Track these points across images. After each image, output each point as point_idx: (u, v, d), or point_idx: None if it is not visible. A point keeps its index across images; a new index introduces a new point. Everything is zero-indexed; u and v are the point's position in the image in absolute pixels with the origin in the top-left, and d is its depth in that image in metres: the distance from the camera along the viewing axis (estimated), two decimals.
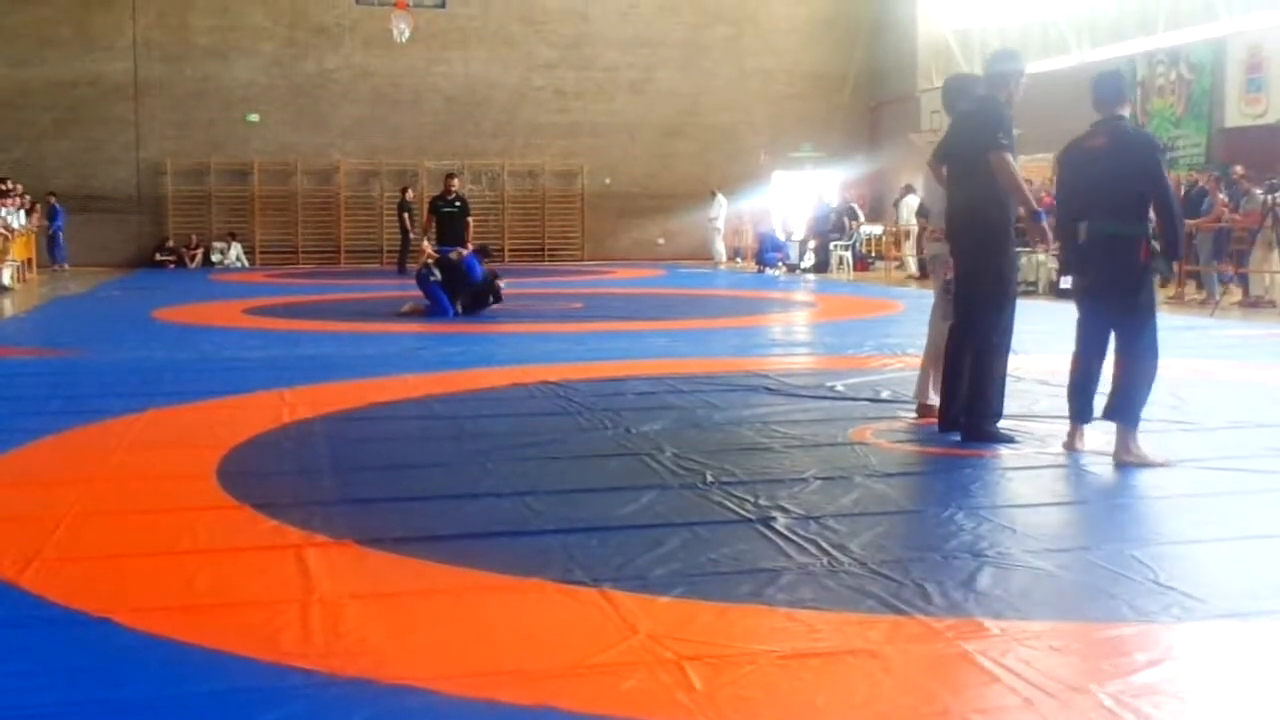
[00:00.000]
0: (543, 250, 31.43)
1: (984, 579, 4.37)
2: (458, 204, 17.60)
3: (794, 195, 31.03)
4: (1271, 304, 16.35)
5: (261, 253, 30.00)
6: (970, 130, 7.01)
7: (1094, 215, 6.48)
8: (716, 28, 32.30)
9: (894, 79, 31.29)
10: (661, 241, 32.01)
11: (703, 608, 4.09)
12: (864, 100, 32.90)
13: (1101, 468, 6.32)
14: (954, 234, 7.16)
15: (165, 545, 4.89)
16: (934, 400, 7.58)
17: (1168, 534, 5.11)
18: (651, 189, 32.02)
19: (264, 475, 6.22)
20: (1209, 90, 21.67)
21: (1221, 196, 17.90)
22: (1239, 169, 18.27)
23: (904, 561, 4.57)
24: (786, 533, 4.98)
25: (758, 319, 15.92)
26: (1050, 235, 7.17)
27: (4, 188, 22.92)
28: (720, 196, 29.44)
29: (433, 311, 15.34)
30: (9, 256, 21.26)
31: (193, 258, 29.19)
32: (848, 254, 26.12)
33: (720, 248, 29.65)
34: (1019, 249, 8.69)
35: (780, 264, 26.70)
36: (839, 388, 8.97)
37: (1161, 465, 6.27)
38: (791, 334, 14.62)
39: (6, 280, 20.67)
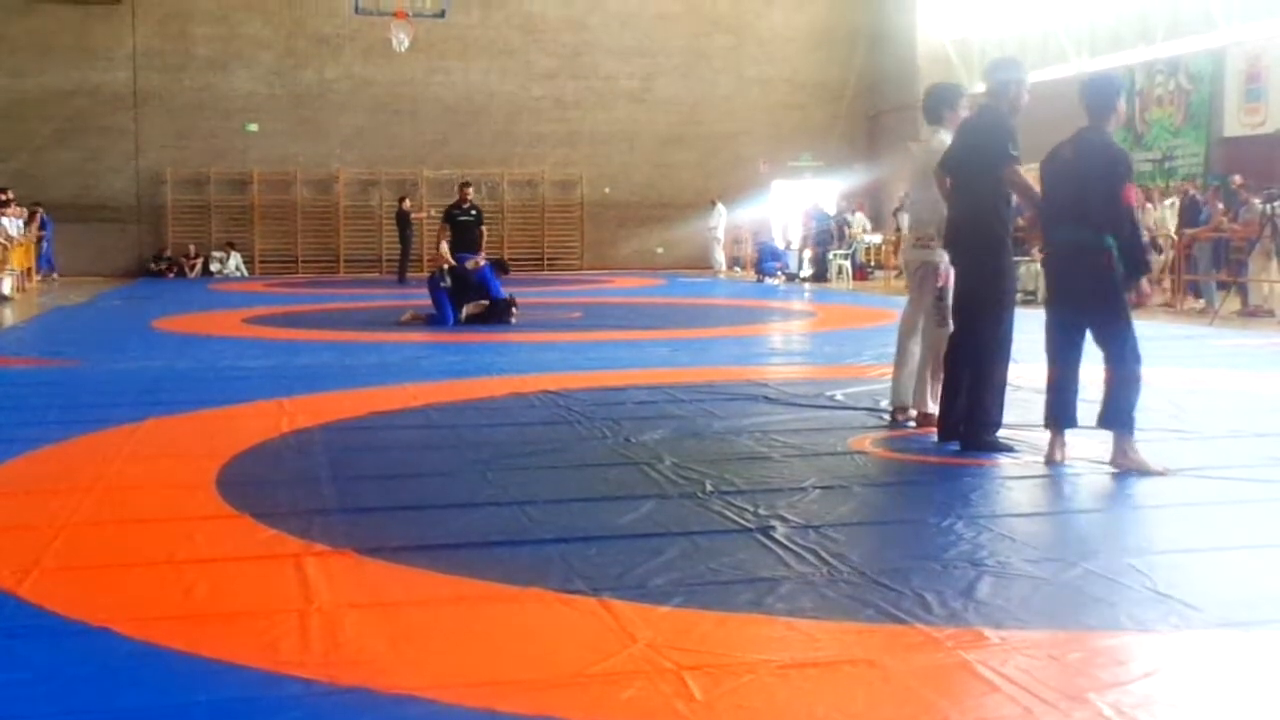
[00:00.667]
0: (542, 259, 31.44)
1: (983, 588, 4.37)
2: (473, 212, 17.63)
3: (792, 204, 31.06)
4: (1270, 313, 16.35)
5: (261, 262, 30.02)
6: (974, 141, 7.02)
7: (1063, 224, 6.50)
8: (716, 37, 32.35)
9: (893, 88, 31.32)
10: (661, 251, 32.03)
11: (702, 617, 4.09)
12: (863, 110, 32.93)
13: (1099, 477, 6.32)
14: (953, 243, 7.17)
15: (164, 554, 4.89)
16: (933, 409, 7.59)
17: (1166, 543, 5.11)
18: (651, 198, 32.06)
19: (263, 484, 6.21)
20: (1208, 100, 21.70)
21: (1220, 206, 17.92)
22: (1238, 178, 18.29)
23: (903, 571, 4.57)
24: (786, 542, 4.97)
25: (757, 328, 15.92)
26: None
27: (4, 197, 22.93)
28: (720, 206, 29.47)
29: (433, 320, 15.35)
30: (8, 266, 21.27)
31: (192, 267, 29.20)
32: (847, 263, 26.13)
33: (720, 257, 29.67)
34: (1017, 258, 8.72)
35: (779, 273, 26.70)
36: (838, 397, 8.98)
37: (1159, 473, 6.27)
38: (791, 343, 14.62)
39: (6, 290, 20.67)
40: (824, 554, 4.79)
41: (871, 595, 4.28)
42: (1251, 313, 16.56)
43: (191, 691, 3.50)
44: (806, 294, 22.81)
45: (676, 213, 31.70)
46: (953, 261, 7.22)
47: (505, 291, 15.76)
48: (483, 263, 15.81)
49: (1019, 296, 7.21)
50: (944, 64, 28.56)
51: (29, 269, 23.83)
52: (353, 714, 3.36)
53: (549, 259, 31.64)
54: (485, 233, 18.24)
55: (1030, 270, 18.80)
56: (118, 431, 7.67)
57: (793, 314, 18.69)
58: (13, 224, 22.32)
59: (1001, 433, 7.03)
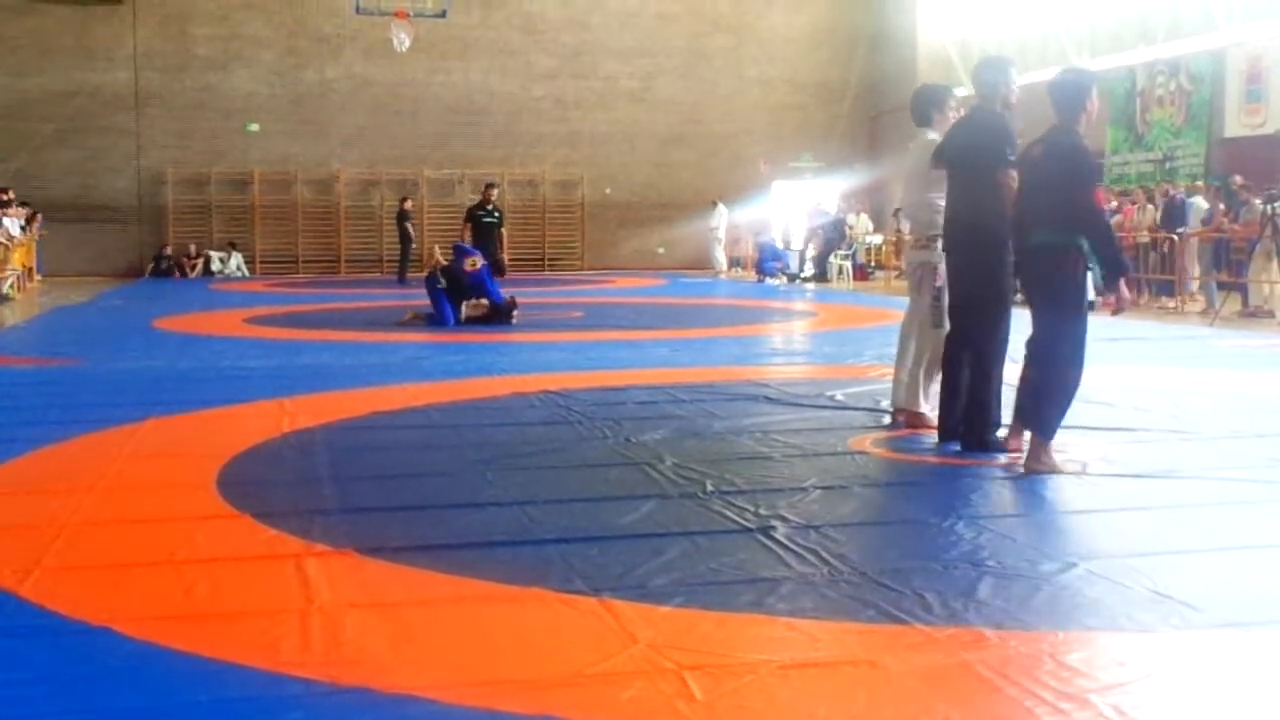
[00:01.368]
0: (543, 260, 31.44)
1: (984, 589, 4.37)
2: (495, 214, 17.62)
3: (793, 205, 31.06)
4: (1270, 314, 16.35)
5: (262, 262, 30.03)
6: (972, 141, 7.01)
7: (1031, 224, 6.46)
8: (716, 37, 32.36)
9: (894, 89, 31.29)
10: (662, 251, 32.04)
11: (703, 617, 4.09)
12: (864, 110, 32.94)
13: (1099, 478, 6.32)
14: (952, 244, 7.17)
15: (165, 554, 4.89)
16: (925, 409, 7.59)
17: (1167, 544, 5.11)
18: (651, 198, 32.07)
19: (264, 484, 6.22)
20: (1209, 100, 21.70)
21: (1221, 206, 17.93)
22: (1238, 179, 18.29)
23: (904, 571, 4.57)
24: (786, 542, 4.97)
25: (758, 328, 15.93)
26: None
27: (5, 198, 22.94)
28: (721, 206, 29.48)
29: (433, 320, 15.35)
30: (9, 266, 21.27)
31: (193, 267, 29.21)
32: (847, 263, 26.13)
33: (720, 257, 29.68)
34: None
35: (780, 274, 26.71)
36: (839, 397, 8.98)
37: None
38: (791, 343, 14.62)
39: (6, 289, 20.68)
40: (825, 554, 4.79)
41: (872, 595, 4.28)
42: (1252, 313, 16.56)
43: (192, 691, 3.50)
44: (807, 294, 22.80)
45: (677, 213, 31.71)
46: (950, 261, 7.22)
47: (505, 294, 15.75)
48: (480, 264, 15.80)
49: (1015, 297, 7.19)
50: (944, 65, 28.56)
51: (30, 269, 23.84)
52: (354, 714, 3.36)
53: (550, 259, 31.64)
54: (505, 234, 18.20)
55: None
56: (119, 431, 7.67)
57: (793, 314, 18.69)
58: (14, 224, 22.33)
59: (1001, 432, 7.03)
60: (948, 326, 7.45)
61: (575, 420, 8.05)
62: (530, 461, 6.75)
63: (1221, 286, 17.48)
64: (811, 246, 27.40)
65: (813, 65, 32.78)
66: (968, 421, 6.97)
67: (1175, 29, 22.59)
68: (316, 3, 30.07)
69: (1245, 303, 17.09)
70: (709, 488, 5.99)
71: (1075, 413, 6.67)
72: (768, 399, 8.95)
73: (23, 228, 23.11)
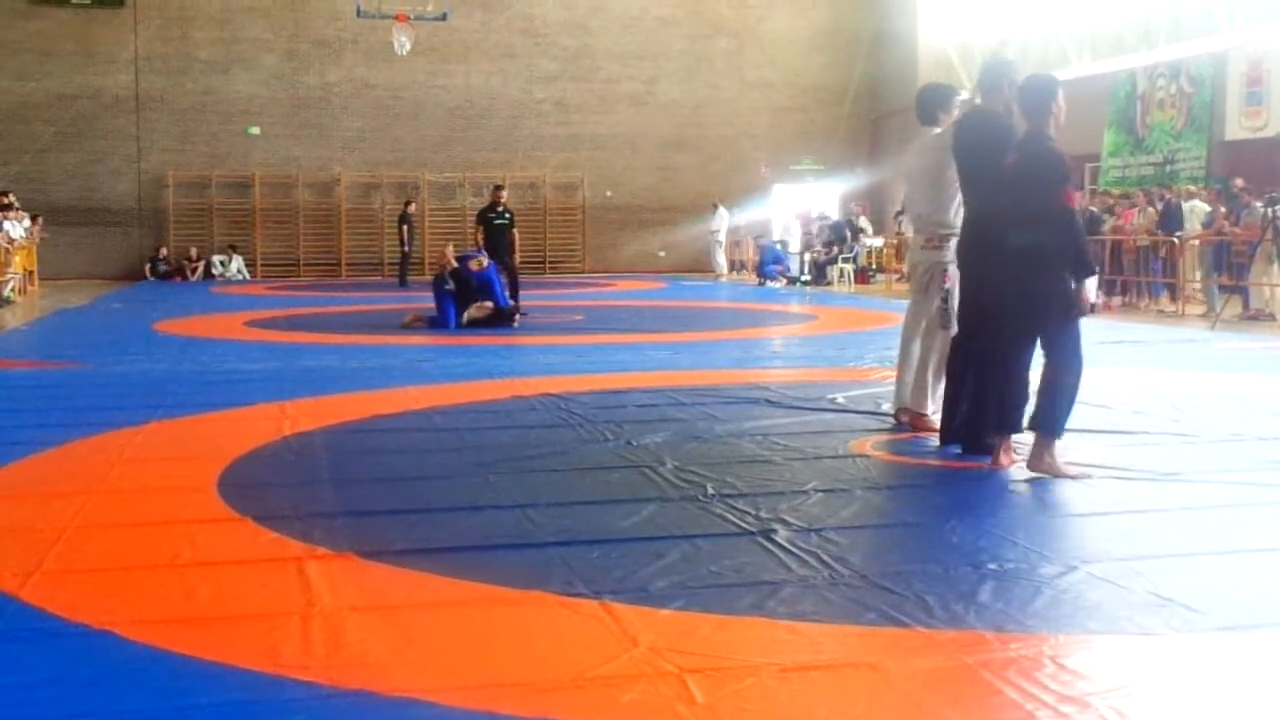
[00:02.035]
0: (544, 262, 31.45)
1: (985, 592, 4.37)
2: (507, 215, 17.56)
3: (794, 208, 31.06)
4: (1271, 317, 16.34)
5: (263, 265, 30.05)
6: (980, 146, 6.97)
7: (1010, 227, 6.45)
8: (717, 40, 32.37)
9: (895, 91, 31.32)
10: (663, 254, 32.05)
11: (704, 620, 4.09)
12: (865, 113, 32.95)
13: (1100, 481, 6.32)
14: (963, 248, 7.14)
15: (166, 558, 4.89)
16: (930, 411, 7.59)
17: (1168, 547, 5.10)
18: (652, 201, 32.08)
19: (265, 488, 6.22)
20: (1209, 103, 21.70)
21: (1222, 209, 17.93)
22: (1239, 182, 18.29)
23: (905, 574, 4.57)
24: (787, 545, 4.97)
25: (759, 331, 15.93)
26: None
27: (5, 201, 22.95)
28: (722, 209, 29.48)
29: (434, 323, 15.36)
30: (10, 269, 21.28)
31: (194, 270, 29.22)
32: (848, 266, 26.14)
33: (721, 260, 29.67)
34: None
35: (781, 276, 26.72)
36: (840, 400, 8.97)
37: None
38: (792, 346, 14.62)
39: (8, 293, 20.68)
40: (825, 557, 4.79)
41: (873, 598, 4.28)
42: (1253, 316, 16.56)
43: (193, 694, 3.50)
44: (808, 297, 22.80)
45: (678, 215, 31.73)
46: (960, 266, 7.21)
47: (505, 294, 15.76)
48: (486, 264, 15.82)
49: None
50: (945, 67, 28.58)
51: (31, 272, 23.84)
52: (354, 717, 3.36)
53: (551, 262, 31.64)
54: (517, 235, 18.16)
55: None
56: (120, 434, 7.67)
57: (794, 317, 18.69)
58: (15, 227, 22.34)
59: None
60: (955, 328, 7.45)
61: (576, 423, 8.05)
62: (531, 464, 6.75)
63: (1223, 289, 17.47)
64: (812, 249, 27.37)
65: (814, 68, 32.80)
66: (969, 424, 6.96)
67: (1176, 31, 22.59)
68: (317, 6, 30.09)
69: (1246, 306, 17.09)
70: (710, 490, 5.99)
71: (1076, 415, 6.67)
72: (769, 402, 8.95)
73: (25, 231, 23.11)
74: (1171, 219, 18.64)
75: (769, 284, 26.23)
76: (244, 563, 4.84)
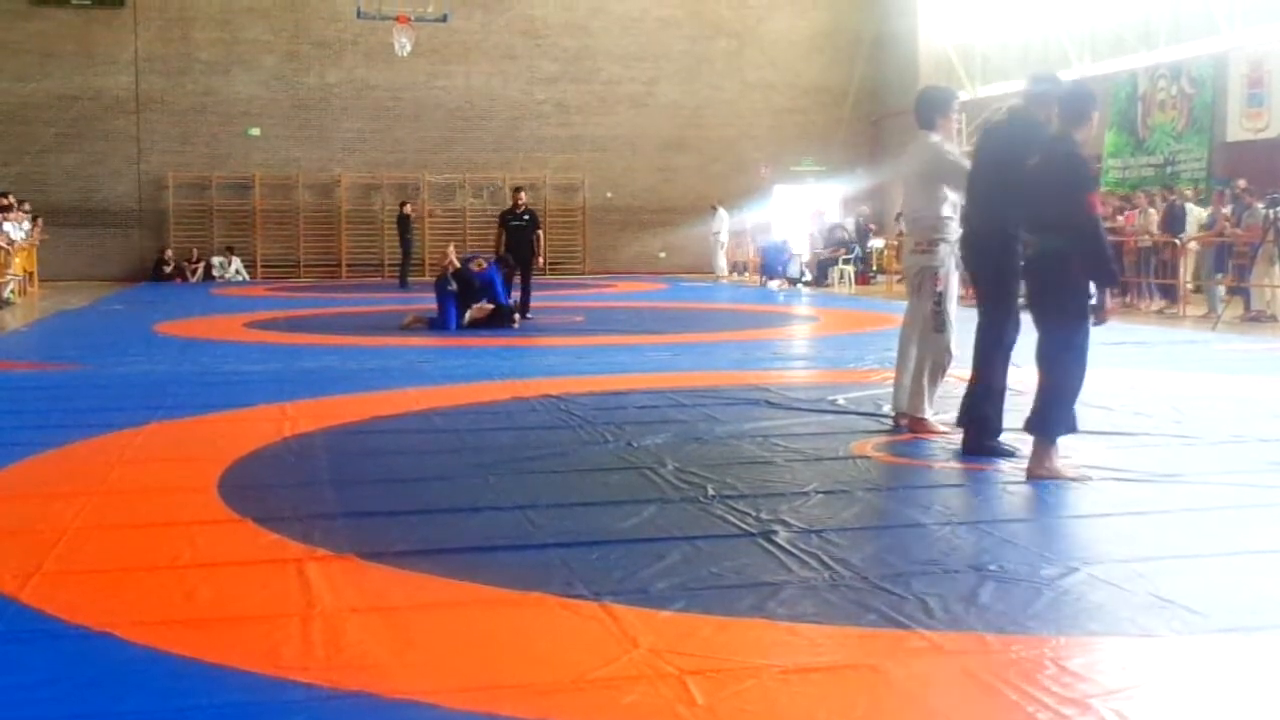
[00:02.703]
0: (544, 264, 31.36)
1: (986, 593, 4.37)
2: (526, 217, 17.51)
3: (798, 211, 31.05)
4: (1273, 318, 16.34)
5: (263, 266, 30.04)
6: (1008, 151, 6.91)
7: (1032, 231, 6.49)
8: (718, 41, 32.37)
9: (895, 93, 31.32)
10: (663, 255, 32.05)
11: (704, 621, 4.08)
12: (865, 114, 32.95)
13: (1100, 483, 6.31)
14: (978, 252, 7.09)
15: (166, 559, 4.89)
16: (928, 414, 7.58)
17: (1169, 548, 5.10)
18: (653, 203, 32.07)
19: (265, 489, 6.21)
20: (1210, 104, 21.70)
21: (1224, 211, 17.92)
22: (1240, 183, 18.28)
23: (906, 575, 4.57)
24: (788, 546, 4.97)
25: (759, 333, 15.92)
26: None
27: (5, 202, 22.95)
28: (722, 210, 29.48)
29: (434, 324, 15.36)
30: (10, 270, 21.28)
31: (194, 271, 29.23)
32: (849, 268, 26.14)
33: (722, 262, 29.66)
34: None
35: (782, 278, 26.71)
36: (840, 401, 8.97)
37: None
38: (793, 348, 14.62)
39: (8, 294, 20.68)
40: (826, 558, 4.79)
41: (874, 600, 4.28)
42: (1254, 317, 16.56)
43: (193, 696, 3.50)
44: (808, 299, 22.80)
45: (678, 217, 31.72)
46: (980, 266, 7.11)
47: (507, 295, 15.77)
48: (486, 264, 15.83)
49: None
50: (946, 69, 28.58)
51: (31, 273, 23.84)
52: (355, 718, 3.36)
53: (551, 263, 31.59)
54: (542, 237, 18.07)
55: None
56: (120, 436, 7.67)
57: (795, 318, 18.69)
58: (15, 228, 22.33)
59: (1002, 436, 7.04)
60: (951, 331, 7.44)
61: (576, 424, 8.04)
62: (531, 466, 6.74)
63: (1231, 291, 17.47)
64: (816, 251, 27.38)
65: (814, 69, 32.79)
66: (972, 424, 6.95)
67: (1177, 33, 22.59)
68: (318, 7, 30.09)
69: (1247, 307, 17.08)
70: (710, 492, 5.98)
71: (1077, 417, 6.67)
72: (769, 403, 8.95)
73: (26, 233, 23.10)
74: (1174, 220, 18.63)
75: (771, 285, 26.18)
76: (244, 564, 4.83)
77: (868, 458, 6.98)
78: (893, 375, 8.15)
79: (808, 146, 32.62)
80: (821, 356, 12.90)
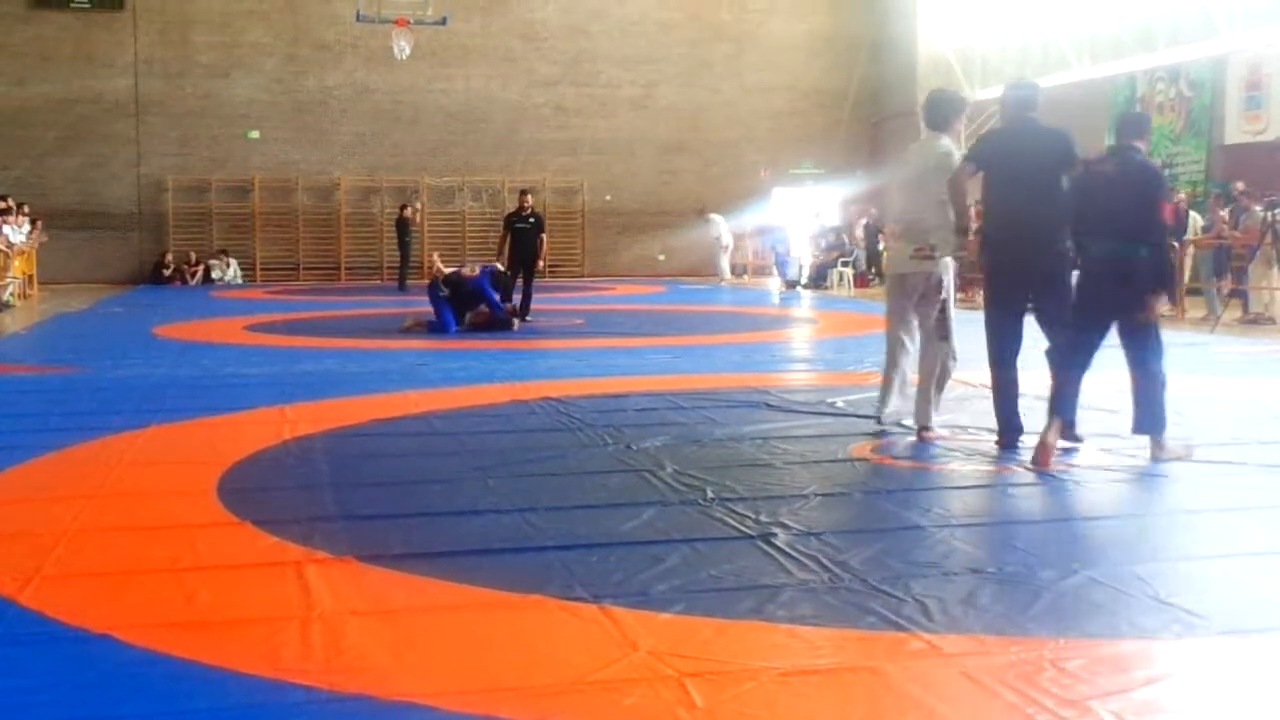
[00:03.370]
0: (544, 266, 31.36)
1: (985, 595, 4.37)
2: (531, 220, 17.49)
3: (801, 213, 31.04)
4: (1271, 321, 16.35)
5: (262, 269, 30.02)
6: (1045, 152, 7.06)
7: (1101, 237, 6.73)
8: (717, 44, 32.37)
9: (894, 95, 31.34)
10: (662, 258, 32.03)
11: (703, 624, 4.09)
12: (864, 117, 32.95)
13: (1100, 484, 6.32)
14: (1029, 256, 7.14)
15: (166, 562, 4.89)
16: (934, 422, 7.57)
17: (1168, 550, 5.11)
18: (652, 205, 32.06)
19: (265, 492, 6.22)
20: (1209, 107, 21.71)
21: (1222, 214, 17.93)
22: (1239, 186, 18.29)
23: (905, 578, 4.57)
24: (787, 549, 4.97)
25: (758, 335, 15.92)
26: None
27: (5, 205, 22.95)
28: (715, 216, 29.43)
29: (434, 327, 15.36)
30: (10, 273, 21.27)
31: (193, 274, 29.22)
32: (848, 270, 26.15)
33: (725, 266, 29.60)
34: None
35: (782, 279, 26.71)
36: (839, 404, 8.98)
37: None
38: (792, 350, 14.63)
39: (7, 297, 20.68)
40: (825, 561, 4.79)
41: (873, 602, 4.28)
42: (1253, 320, 16.57)
43: (193, 699, 3.50)
44: (802, 301, 22.80)
45: (678, 220, 31.71)
46: (1042, 269, 7.13)
47: (500, 300, 15.76)
48: (479, 271, 15.85)
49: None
50: (945, 72, 28.57)
51: (31, 276, 23.84)
52: None
53: (550, 266, 31.58)
54: (546, 240, 18.06)
55: None
56: (119, 438, 7.67)
57: (794, 321, 18.70)
58: (15, 232, 22.33)
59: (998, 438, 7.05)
60: (955, 338, 7.45)
61: (576, 427, 8.05)
62: (531, 468, 6.75)
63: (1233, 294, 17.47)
64: (815, 254, 27.40)
65: (813, 72, 32.79)
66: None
67: (1176, 35, 22.59)
68: (317, 10, 30.09)
69: (1246, 309, 17.09)
70: (710, 494, 5.99)
71: (1077, 419, 6.68)
72: (768, 406, 8.95)
73: (25, 235, 23.10)
74: (1176, 223, 18.62)
75: (778, 286, 26.14)
76: (244, 567, 4.84)
77: (867, 460, 6.98)
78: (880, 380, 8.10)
79: (807, 149, 32.62)
80: (821, 359, 12.91)
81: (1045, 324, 7.13)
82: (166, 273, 28.98)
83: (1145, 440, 6.91)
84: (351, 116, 30.55)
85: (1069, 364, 6.90)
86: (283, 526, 5.39)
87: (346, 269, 30.49)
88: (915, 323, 7.80)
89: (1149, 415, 6.82)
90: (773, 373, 11.60)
